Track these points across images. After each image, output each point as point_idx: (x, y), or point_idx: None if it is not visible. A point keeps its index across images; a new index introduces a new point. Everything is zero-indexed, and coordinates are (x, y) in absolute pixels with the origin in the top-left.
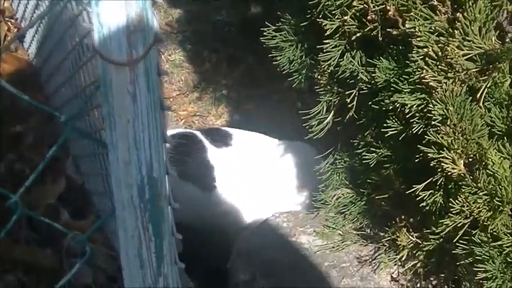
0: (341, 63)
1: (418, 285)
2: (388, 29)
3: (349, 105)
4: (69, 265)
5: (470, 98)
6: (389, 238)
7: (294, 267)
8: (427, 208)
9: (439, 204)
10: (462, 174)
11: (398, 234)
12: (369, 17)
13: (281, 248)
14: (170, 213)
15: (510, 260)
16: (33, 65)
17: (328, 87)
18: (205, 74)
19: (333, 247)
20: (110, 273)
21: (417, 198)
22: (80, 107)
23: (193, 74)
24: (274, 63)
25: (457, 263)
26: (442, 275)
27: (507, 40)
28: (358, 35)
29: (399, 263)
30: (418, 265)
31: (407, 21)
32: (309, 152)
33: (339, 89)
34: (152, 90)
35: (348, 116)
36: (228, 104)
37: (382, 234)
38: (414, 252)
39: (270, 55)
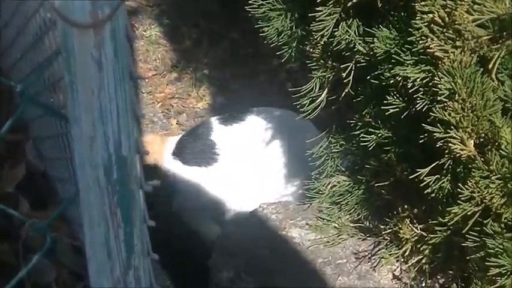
0: (336, 33)
1: (423, 284)
2: None
3: (345, 81)
4: (27, 260)
5: (481, 69)
6: (390, 231)
7: (284, 264)
8: (433, 195)
9: (446, 191)
10: (472, 156)
11: (400, 226)
12: None
13: (269, 242)
14: (142, 197)
15: None
16: None
17: (322, 61)
18: (185, 52)
19: (328, 241)
20: (75, 270)
21: (421, 185)
22: (37, 75)
23: (171, 51)
24: (260, 37)
25: (467, 258)
26: (450, 272)
27: None
28: (354, 1)
29: (402, 259)
30: (423, 261)
31: None
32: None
33: (334, 64)
34: (120, 56)
35: (344, 93)
36: (210, 84)
37: (382, 226)
38: (418, 246)
39: (256, 26)
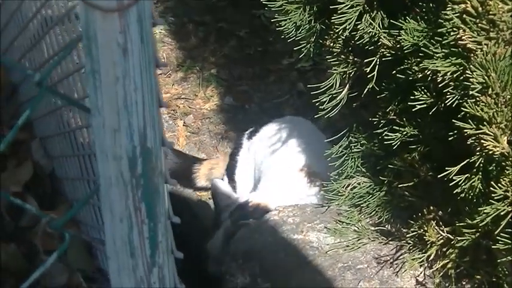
0: (358, 26)
1: None
2: None
3: (369, 76)
4: (36, 262)
5: None
6: (414, 233)
7: (302, 269)
8: (463, 195)
9: (477, 190)
10: (506, 153)
11: (426, 228)
12: None
13: (285, 246)
14: (166, 192)
15: None
16: None
17: (342, 56)
18: (191, 51)
19: (347, 246)
20: (87, 274)
21: (451, 184)
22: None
23: (177, 50)
24: (270, 35)
25: (496, 262)
26: (477, 277)
27: None
28: None
29: (426, 264)
30: (449, 265)
31: None
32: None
33: (355, 59)
34: (146, 42)
35: (367, 89)
36: (217, 84)
37: (405, 230)
38: (444, 250)
39: (273, 20)
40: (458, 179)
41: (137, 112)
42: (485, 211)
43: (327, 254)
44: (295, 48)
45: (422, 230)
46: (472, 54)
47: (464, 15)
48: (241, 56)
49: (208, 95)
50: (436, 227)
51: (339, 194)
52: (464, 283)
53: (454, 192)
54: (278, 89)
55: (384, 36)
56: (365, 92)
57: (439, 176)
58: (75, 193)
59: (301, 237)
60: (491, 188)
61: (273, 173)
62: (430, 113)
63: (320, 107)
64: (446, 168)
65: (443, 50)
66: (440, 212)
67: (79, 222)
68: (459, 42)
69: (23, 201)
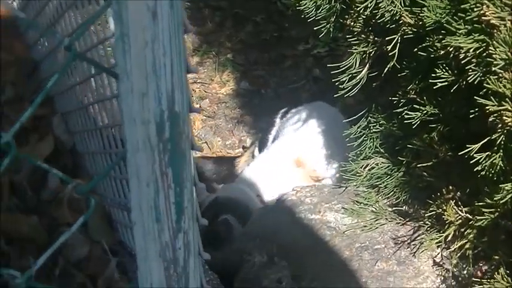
0: (380, 5)
1: (465, 271)
2: None
3: (390, 54)
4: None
5: None
6: (433, 213)
7: (319, 249)
8: (483, 173)
9: (497, 168)
10: None
11: (445, 208)
12: None
13: (303, 226)
14: (192, 157)
15: None
16: (12, 13)
17: (363, 35)
18: (207, 36)
19: (365, 226)
20: (108, 246)
21: (470, 162)
22: (81, 29)
23: (192, 35)
24: (286, 21)
25: None
26: (496, 257)
27: None
28: None
29: (443, 245)
30: (467, 246)
31: None
32: (334, 113)
33: (375, 38)
34: (175, 8)
35: (387, 68)
36: (233, 69)
37: (423, 211)
38: (462, 230)
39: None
40: (479, 157)
41: (165, 76)
42: (506, 188)
43: (344, 234)
44: (315, 28)
45: (440, 210)
46: (495, 30)
47: None
48: (257, 42)
49: (224, 79)
50: (455, 207)
51: (357, 174)
52: (481, 264)
53: (475, 170)
54: (294, 74)
55: (406, 14)
56: (385, 71)
57: (460, 154)
58: (96, 167)
59: (318, 217)
60: None
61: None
62: (451, 91)
63: (340, 86)
64: (466, 145)
65: (466, 26)
66: (459, 192)
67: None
68: (482, 18)
69: (44, 174)
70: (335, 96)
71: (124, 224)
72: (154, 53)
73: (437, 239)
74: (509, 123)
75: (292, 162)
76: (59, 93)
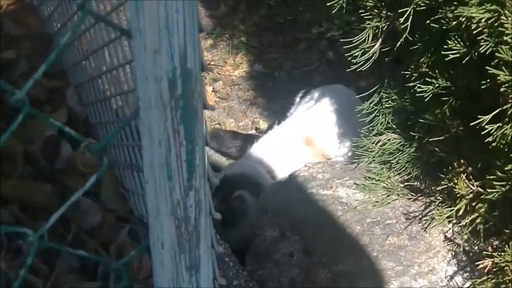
0: None
1: (476, 247)
2: None
3: (402, 27)
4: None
5: None
6: (444, 187)
7: (330, 224)
8: (494, 144)
9: (509, 138)
10: None
11: (456, 181)
12: None
13: (315, 202)
14: (204, 116)
15: None
16: None
17: (376, 10)
18: (221, 19)
19: (377, 201)
20: (121, 214)
21: (482, 133)
22: None
23: (206, 18)
24: (300, 4)
25: None
26: (506, 231)
27: None
28: None
29: (454, 220)
30: (478, 220)
31: None
32: (351, 96)
33: (388, 13)
34: None
35: (400, 42)
36: (247, 52)
37: (434, 187)
38: (473, 204)
39: None
40: (490, 128)
41: (178, 33)
42: None
43: (356, 209)
44: (328, 4)
45: (452, 184)
46: (507, 0)
47: None
48: (271, 25)
49: (238, 62)
50: (466, 181)
51: (369, 150)
52: (492, 240)
53: (486, 141)
54: (307, 57)
55: None
56: (398, 45)
57: (471, 124)
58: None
59: (330, 193)
60: None
61: None
62: (463, 64)
63: (352, 60)
64: (478, 116)
65: None
66: (470, 167)
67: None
68: None
69: (57, 145)
70: (347, 70)
71: (136, 193)
72: (167, 10)
73: (448, 213)
74: None
75: (302, 140)
76: (72, 66)
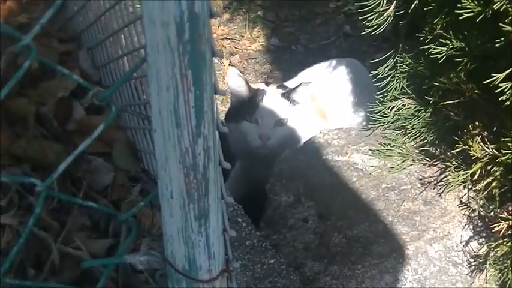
0: None
1: (492, 213)
2: None
3: None
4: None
5: None
6: (460, 150)
7: (345, 189)
8: (508, 103)
9: None
10: None
11: (471, 144)
12: None
13: (329, 167)
14: (212, 62)
15: None
16: None
17: None
18: None
19: (392, 167)
20: (132, 174)
21: (496, 91)
22: None
23: None
24: None
25: None
26: None
27: None
28: None
29: (470, 185)
30: (493, 184)
31: None
32: (361, 68)
33: None
34: None
35: (415, 4)
36: (264, 26)
37: (449, 152)
38: (489, 168)
39: None
40: (504, 86)
41: None
42: None
43: (371, 175)
44: None
45: (467, 146)
46: None
47: None
48: None
49: (254, 36)
50: (481, 143)
51: (384, 115)
52: (508, 205)
53: (499, 99)
54: (324, 31)
55: None
56: (412, 8)
57: (485, 82)
58: (122, 99)
59: (345, 159)
60: None
61: None
62: (477, 22)
63: (367, 23)
64: (492, 74)
65: None
66: (485, 131)
67: (124, 128)
68: None
69: (69, 106)
70: (362, 34)
71: (148, 152)
72: None
73: (463, 177)
74: None
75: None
76: (85, 30)
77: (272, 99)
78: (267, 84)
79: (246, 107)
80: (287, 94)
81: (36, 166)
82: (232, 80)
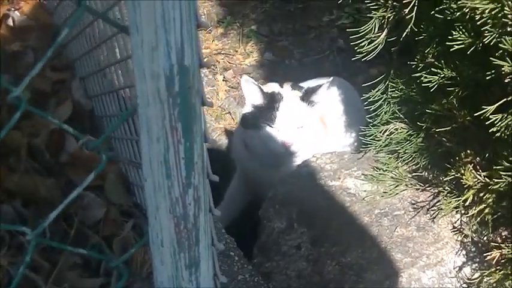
0: None
1: (485, 238)
2: None
3: (407, 17)
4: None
5: None
6: (451, 178)
7: (338, 215)
8: (498, 134)
9: None
10: None
11: (463, 172)
12: None
13: (323, 193)
14: (202, 112)
15: None
16: None
17: (382, 0)
18: (231, 7)
19: (385, 192)
20: (125, 208)
21: (487, 122)
22: None
23: (217, 6)
24: None
25: None
26: None
27: None
28: None
29: (462, 210)
30: (486, 211)
31: None
32: (350, 87)
33: (394, 3)
34: None
35: (406, 32)
36: (257, 40)
37: (442, 177)
38: (481, 195)
39: None
40: (494, 118)
41: (175, 29)
42: None
43: (364, 200)
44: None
45: (459, 174)
46: None
47: None
48: (282, 13)
49: (248, 50)
50: (473, 171)
51: (376, 138)
52: (501, 230)
53: (490, 131)
54: (318, 45)
55: None
56: (404, 35)
57: (475, 115)
58: (115, 131)
59: (338, 184)
60: None
61: None
62: (468, 54)
63: (359, 50)
64: (482, 106)
65: None
66: (477, 158)
67: (117, 161)
68: None
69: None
70: (353, 59)
71: (140, 186)
72: (164, 7)
73: (455, 203)
74: None
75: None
76: (78, 59)
77: (291, 103)
78: (281, 85)
79: (264, 113)
80: (306, 96)
81: (28, 201)
82: (246, 88)
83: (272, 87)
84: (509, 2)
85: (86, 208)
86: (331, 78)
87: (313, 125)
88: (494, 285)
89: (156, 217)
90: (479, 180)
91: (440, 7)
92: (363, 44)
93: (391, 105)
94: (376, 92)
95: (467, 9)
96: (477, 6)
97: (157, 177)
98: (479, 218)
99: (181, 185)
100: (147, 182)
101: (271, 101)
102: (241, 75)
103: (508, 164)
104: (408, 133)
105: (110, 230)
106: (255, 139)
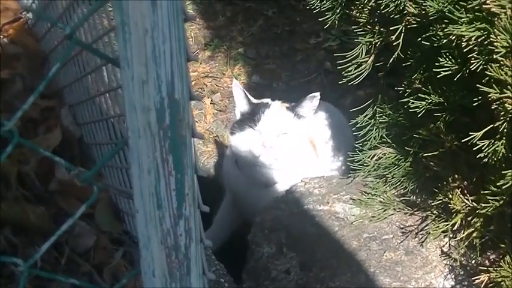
0: None
1: (473, 261)
2: None
3: (394, 44)
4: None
5: None
6: (439, 202)
7: (327, 240)
8: (486, 160)
9: (500, 155)
10: None
11: (451, 197)
12: None
13: (311, 217)
14: (193, 144)
15: None
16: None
17: (368, 26)
18: (219, 30)
19: (373, 216)
20: (115, 236)
21: (474, 148)
22: (82, 19)
23: (204, 29)
24: (297, 15)
25: None
26: (502, 246)
27: None
28: None
29: (451, 234)
30: (474, 235)
31: None
32: (336, 112)
33: (381, 29)
34: None
35: (392, 58)
36: (245, 63)
37: (430, 201)
38: (469, 219)
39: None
40: (482, 144)
41: (165, 63)
42: (509, 175)
43: (353, 224)
44: (320, 19)
45: (447, 199)
46: (496, 19)
47: None
48: (269, 36)
49: (236, 73)
50: (461, 196)
51: (364, 164)
52: (489, 254)
53: (478, 157)
54: (305, 67)
55: (410, 4)
56: (391, 61)
57: (463, 141)
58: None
59: (327, 208)
60: None
61: None
62: (455, 80)
63: (345, 74)
64: (470, 133)
65: (467, 15)
66: (465, 182)
67: (109, 189)
68: (483, 6)
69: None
70: (340, 83)
71: (130, 214)
72: (154, 41)
73: (444, 227)
74: (511, 111)
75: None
76: (67, 86)
77: (276, 111)
78: (272, 99)
79: (249, 117)
80: (292, 108)
81: (18, 229)
82: (235, 91)
83: (263, 100)
84: (495, 30)
85: (77, 236)
86: (318, 93)
87: (303, 145)
88: None
89: (147, 248)
90: (467, 205)
91: (427, 34)
92: (350, 68)
93: (380, 130)
94: (364, 117)
95: (454, 37)
96: (463, 33)
97: (148, 208)
98: (467, 242)
99: (172, 216)
100: (139, 213)
101: (258, 107)
102: (229, 98)
103: (495, 189)
104: (396, 158)
105: (101, 258)
106: (238, 141)
